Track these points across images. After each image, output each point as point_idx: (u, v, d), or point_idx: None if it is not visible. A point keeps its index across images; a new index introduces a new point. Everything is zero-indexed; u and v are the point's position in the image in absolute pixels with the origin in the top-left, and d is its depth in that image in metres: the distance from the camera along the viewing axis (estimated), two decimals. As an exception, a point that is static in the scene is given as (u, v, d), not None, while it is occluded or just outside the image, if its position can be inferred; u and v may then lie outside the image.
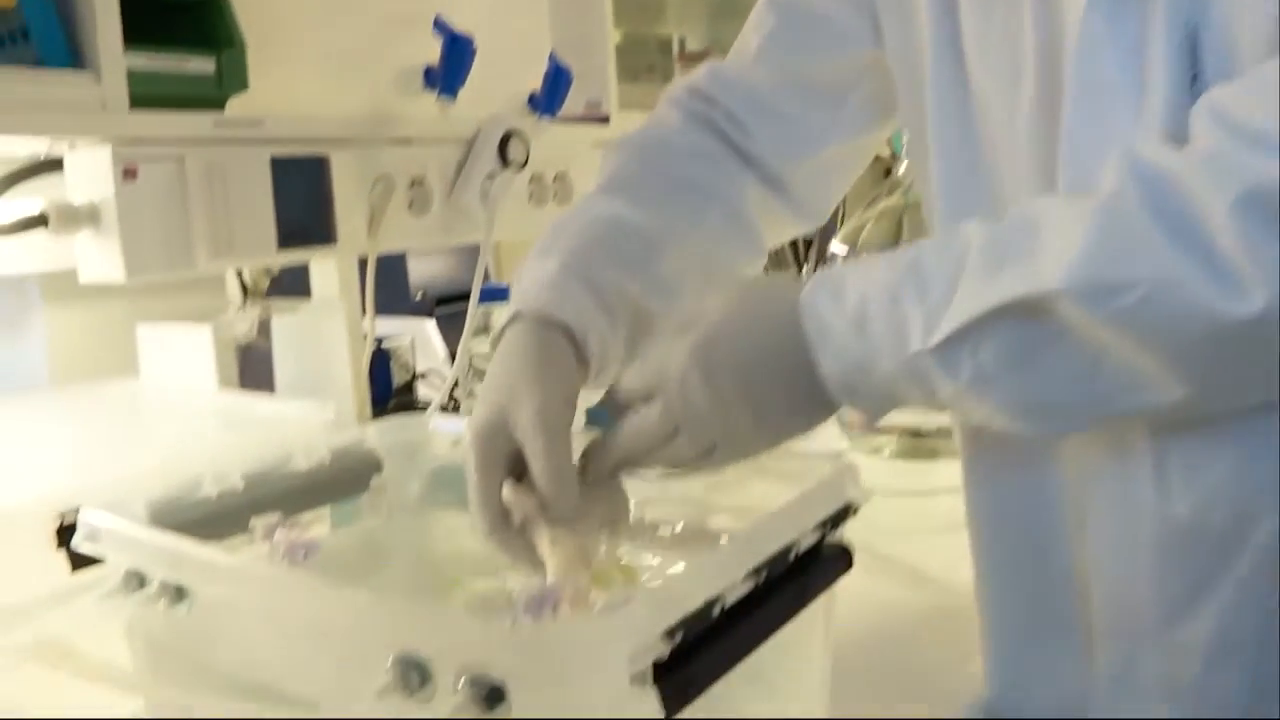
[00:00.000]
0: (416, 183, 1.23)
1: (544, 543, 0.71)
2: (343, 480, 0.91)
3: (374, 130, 1.19)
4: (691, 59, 2.12)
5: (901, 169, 1.65)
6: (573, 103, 1.46)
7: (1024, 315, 0.62)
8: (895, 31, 0.88)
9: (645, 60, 1.94)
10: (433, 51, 1.21)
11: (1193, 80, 0.67)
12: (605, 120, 1.56)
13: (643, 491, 0.89)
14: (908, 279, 0.66)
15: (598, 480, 0.76)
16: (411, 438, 0.96)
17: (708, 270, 0.94)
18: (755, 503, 0.73)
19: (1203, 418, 0.67)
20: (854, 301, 0.67)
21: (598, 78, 1.56)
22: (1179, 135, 0.66)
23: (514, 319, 0.81)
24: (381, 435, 0.94)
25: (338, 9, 1.20)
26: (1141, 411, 0.65)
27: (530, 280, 0.83)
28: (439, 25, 1.15)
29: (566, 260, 0.84)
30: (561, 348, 0.79)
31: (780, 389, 0.70)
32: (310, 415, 1.03)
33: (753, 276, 0.79)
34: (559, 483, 0.72)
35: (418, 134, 1.24)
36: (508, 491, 0.72)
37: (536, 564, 0.73)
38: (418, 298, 2.10)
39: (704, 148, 0.95)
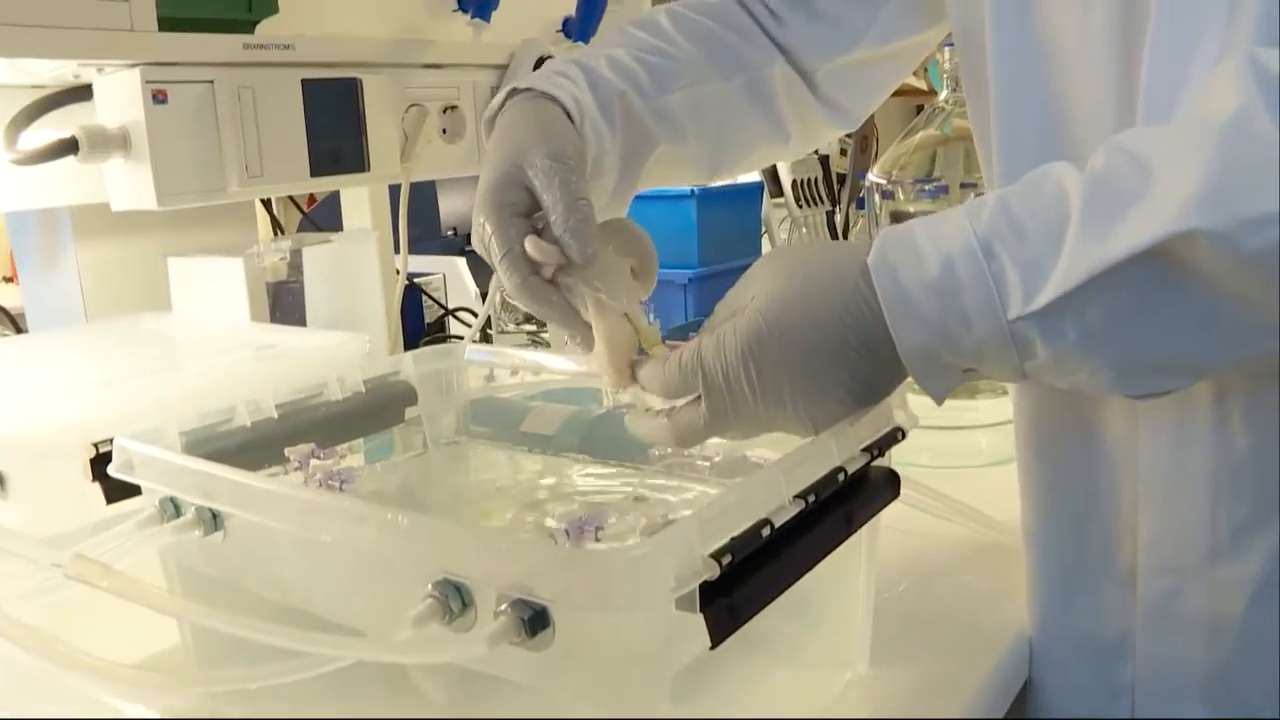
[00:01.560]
0: (450, 109, 1.21)
1: (591, 306, 0.69)
2: (378, 412, 0.90)
3: (406, 54, 1.17)
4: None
5: (943, 96, 1.61)
6: (607, 28, 1.43)
7: (1143, 266, 0.55)
8: None
9: None
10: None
11: None
12: (640, 48, 1.53)
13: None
14: (997, 232, 0.59)
15: (615, 225, 0.74)
16: (447, 367, 0.94)
17: (721, 129, 0.92)
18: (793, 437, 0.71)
19: None
20: (936, 262, 0.60)
21: (633, 2, 1.52)
22: (1274, 38, 0.62)
23: (511, 93, 0.80)
24: (417, 365, 0.93)
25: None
26: (1253, 359, 0.61)
27: (537, 71, 0.82)
28: (472, -54, 1.13)
29: (577, 58, 0.83)
30: (561, 117, 0.77)
31: (839, 376, 0.64)
32: (345, 346, 1.02)
33: (803, 244, 0.71)
34: (580, 222, 0.69)
35: (450, 59, 1.22)
36: (530, 243, 0.69)
37: (574, 320, 0.71)
38: (449, 235, 2.09)
39: (741, 24, 0.93)
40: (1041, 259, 0.58)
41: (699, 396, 0.66)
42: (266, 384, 0.85)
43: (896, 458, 0.68)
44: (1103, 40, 0.71)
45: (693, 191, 1.86)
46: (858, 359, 0.63)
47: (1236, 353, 0.60)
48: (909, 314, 0.61)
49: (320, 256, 1.29)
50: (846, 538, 0.60)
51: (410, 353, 0.94)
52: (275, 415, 0.81)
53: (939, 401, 0.65)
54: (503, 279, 0.71)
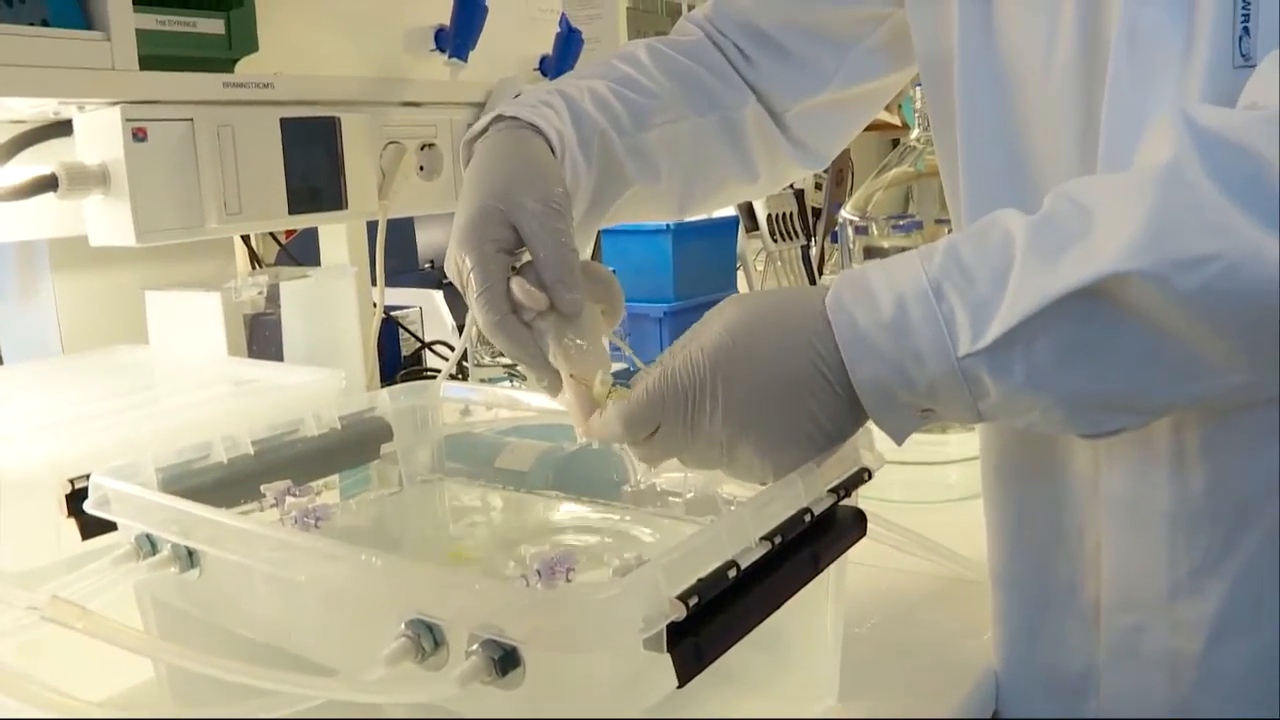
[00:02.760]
0: (427, 146, 1.22)
1: (561, 354, 0.70)
2: (353, 448, 0.91)
3: (384, 92, 1.18)
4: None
5: (914, 134, 1.64)
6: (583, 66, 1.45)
7: (1085, 304, 0.58)
8: None
9: (655, 25, 1.92)
10: (444, 12, 1.20)
11: (1243, 34, 0.66)
12: (616, 86, 1.55)
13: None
14: (948, 275, 0.62)
15: (589, 270, 0.74)
16: (422, 404, 0.95)
17: (694, 167, 0.93)
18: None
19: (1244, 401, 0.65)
20: (889, 303, 0.62)
21: (609, 41, 1.54)
22: (1225, 90, 0.65)
23: (494, 120, 0.80)
24: (392, 402, 0.94)
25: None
26: (1198, 400, 0.63)
27: (519, 100, 0.82)
28: (450, -13, 1.14)
29: (559, 88, 0.84)
30: (545, 151, 0.78)
31: (804, 403, 0.65)
32: (321, 383, 1.03)
33: (763, 291, 0.72)
34: (568, 273, 0.70)
35: (428, 97, 1.23)
36: (517, 285, 0.70)
37: (543, 365, 0.72)
38: (426, 268, 2.10)
39: (716, 63, 0.95)
40: (989, 299, 0.60)
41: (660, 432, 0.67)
42: (243, 420, 0.86)
43: (867, 492, 0.69)
44: (1066, 83, 0.73)
45: (668, 226, 1.87)
46: (823, 389, 0.65)
47: (1180, 391, 0.62)
48: (864, 351, 0.63)
49: (298, 291, 1.30)
50: (813, 578, 0.61)
51: (386, 389, 0.95)
52: (251, 452, 0.82)
53: (899, 442, 0.67)
54: (478, 315, 0.72)
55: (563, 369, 0.70)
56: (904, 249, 1.96)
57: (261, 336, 1.38)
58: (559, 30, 1.33)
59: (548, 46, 1.36)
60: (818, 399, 0.65)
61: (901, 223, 1.65)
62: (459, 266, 0.72)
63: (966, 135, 0.81)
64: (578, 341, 0.69)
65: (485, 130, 0.80)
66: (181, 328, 1.24)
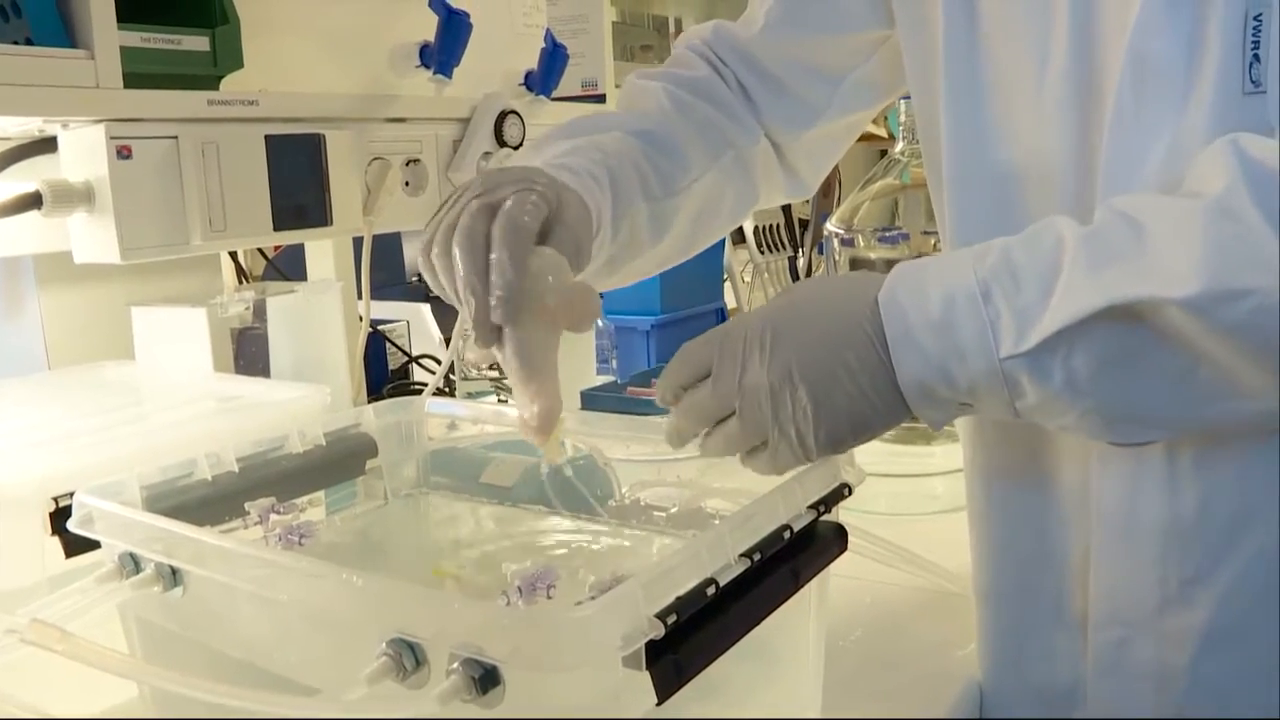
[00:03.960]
0: (412, 162, 1.23)
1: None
2: (338, 464, 0.91)
3: (369, 109, 1.19)
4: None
5: (899, 148, 1.65)
6: (569, 82, 1.46)
7: (1126, 320, 0.60)
8: (907, 8, 0.87)
9: (641, 39, 1.93)
10: (429, 29, 1.20)
11: (1252, 62, 0.67)
12: (601, 99, 1.56)
13: (639, 474, 0.89)
14: (998, 276, 0.63)
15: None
16: (407, 419, 0.95)
17: (702, 211, 0.94)
18: (751, 485, 0.72)
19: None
20: (939, 300, 0.64)
21: (594, 57, 1.55)
22: (1234, 116, 0.66)
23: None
24: (378, 418, 0.94)
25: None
26: (1228, 420, 0.64)
27: (566, 156, 0.82)
28: (435, 2, 1.15)
29: (605, 160, 0.83)
30: (584, 209, 0.77)
31: (846, 386, 0.66)
32: (306, 398, 1.03)
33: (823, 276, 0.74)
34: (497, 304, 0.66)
35: (413, 113, 1.23)
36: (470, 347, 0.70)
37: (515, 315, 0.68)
38: (413, 281, 2.10)
39: (727, 101, 0.96)
40: (1034, 304, 0.62)
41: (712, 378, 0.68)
42: (228, 437, 0.86)
43: (852, 504, 0.70)
44: (1059, 106, 0.74)
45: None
46: (863, 377, 0.66)
47: (1210, 411, 0.63)
48: (910, 347, 0.65)
49: (284, 306, 1.31)
50: (793, 594, 0.62)
51: (371, 405, 0.95)
52: (236, 469, 0.82)
53: (936, 428, 0.69)
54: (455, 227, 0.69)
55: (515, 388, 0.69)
56: (890, 261, 1.98)
57: (248, 351, 1.38)
58: (544, 46, 1.34)
59: (533, 61, 1.36)
60: (867, 372, 0.66)
61: (888, 234, 1.66)
62: (481, 185, 0.70)
63: (952, 155, 0.81)
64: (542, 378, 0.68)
65: None
66: (167, 343, 1.24)
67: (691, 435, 0.72)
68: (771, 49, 0.95)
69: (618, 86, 1.56)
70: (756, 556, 0.58)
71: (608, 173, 0.82)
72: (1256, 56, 0.67)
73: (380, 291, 1.85)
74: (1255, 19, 0.67)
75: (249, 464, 0.83)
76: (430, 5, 1.14)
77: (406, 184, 1.23)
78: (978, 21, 0.80)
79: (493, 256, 0.66)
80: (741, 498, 0.77)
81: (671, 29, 2.49)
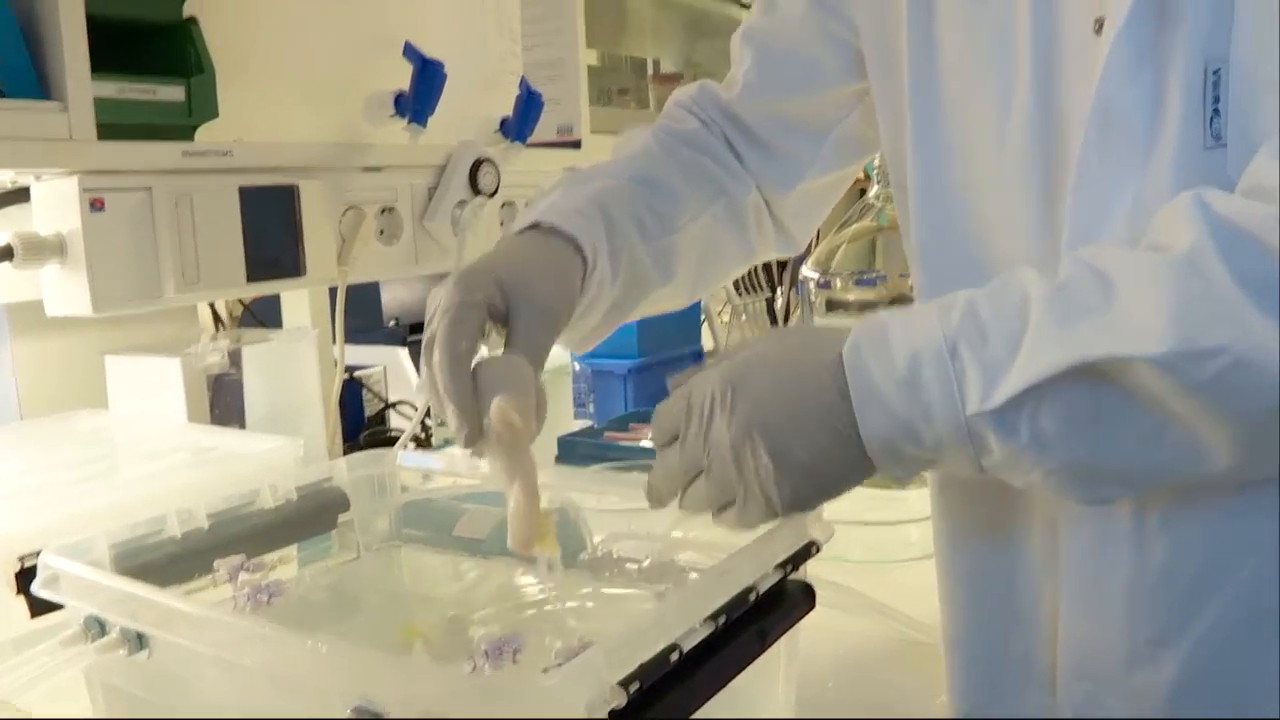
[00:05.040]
0: (387, 210, 1.23)
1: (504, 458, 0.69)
2: (310, 518, 0.91)
3: (344, 158, 1.19)
4: (666, 80, 2.13)
5: (873, 192, 1.66)
6: (544, 127, 1.46)
7: (1094, 377, 0.59)
8: (876, 60, 0.88)
9: (619, 82, 1.94)
10: (403, 78, 1.21)
11: (1213, 117, 0.68)
12: (577, 145, 1.56)
13: (611, 526, 0.89)
14: (964, 332, 0.63)
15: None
16: (380, 472, 0.95)
17: (705, 255, 0.95)
18: (723, 538, 0.73)
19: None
20: (904, 357, 0.63)
21: (570, 102, 1.56)
22: (1196, 171, 0.66)
23: (531, 227, 0.81)
24: (350, 471, 0.93)
25: (307, 34, 1.19)
26: (1196, 477, 0.64)
27: (555, 203, 0.83)
28: (409, 51, 1.15)
29: (597, 197, 0.84)
30: (573, 259, 0.79)
31: (808, 443, 0.66)
32: (279, 451, 1.03)
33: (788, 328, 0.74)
34: (536, 362, 0.72)
35: (388, 161, 1.24)
36: (489, 365, 0.71)
37: (472, 414, 0.70)
38: (391, 325, 2.10)
39: (718, 151, 0.97)
40: (1001, 360, 0.61)
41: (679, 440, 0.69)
42: (200, 491, 0.85)
43: (827, 551, 0.70)
44: (1022, 158, 0.75)
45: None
46: (827, 434, 0.65)
47: (1179, 468, 0.63)
48: (873, 403, 0.64)
49: (259, 354, 1.30)
50: (760, 654, 0.62)
51: (344, 458, 0.95)
52: (206, 525, 0.82)
53: (901, 482, 0.71)
54: (436, 353, 0.72)
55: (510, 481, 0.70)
56: (868, 303, 1.99)
57: (224, 398, 1.37)
58: (519, 92, 1.35)
59: (509, 107, 1.37)
60: (829, 430, 0.65)
61: (865, 277, 1.67)
62: (437, 303, 0.73)
63: (920, 210, 0.82)
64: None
65: (524, 229, 0.82)
66: (142, 393, 1.23)
67: (669, 495, 0.71)
68: (753, 108, 0.97)
69: (594, 131, 1.57)
70: (722, 619, 0.58)
71: (600, 211, 0.83)
72: (1217, 111, 0.67)
73: (357, 335, 1.84)
74: (1214, 73, 0.67)
75: (220, 520, 0.83)
76: (404, 54, 1.15)
77: (381, 232, 1.23)
78: (941, 77, 0.81)
79: (439, 391, 0.70)
80: (715, 550, 0.77)
81: (649, 70, 2.50)
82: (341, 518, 0.93)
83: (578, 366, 1.81)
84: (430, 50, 1.22)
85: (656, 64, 2.48)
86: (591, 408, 1.78)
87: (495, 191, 1.28)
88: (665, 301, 0.95)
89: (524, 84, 1.34)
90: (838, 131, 0.97)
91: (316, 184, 1.13)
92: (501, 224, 1.39)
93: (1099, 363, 0.59)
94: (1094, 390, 0.60)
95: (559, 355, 1.82)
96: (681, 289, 0.95)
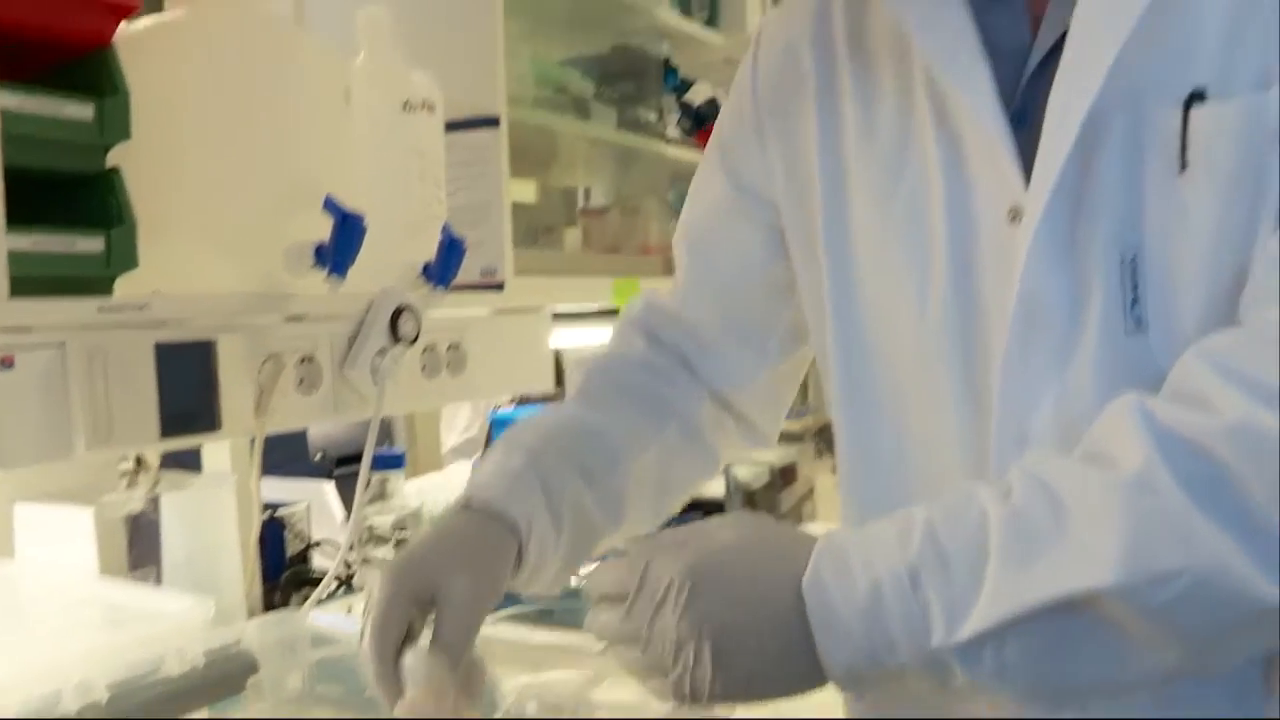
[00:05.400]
0: (306, 359, 1.23)
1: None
2: (218, 683, 0.89)
3: (264, 308, 1.19)
4: (594, 214, 2.16)
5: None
6: (468, 269, 1.48)
7: (1056, 613, 0.60)
8: (796, 243, 0.91)
9: (547, 218, 1.96)
10: (326, 228, 1.22)
11: (1133, 303, 0.70)
12: (499, 287, 1.58)
13: (524, 677, 0.89)
14: (925, 561, 0.63)
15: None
16: (290, 633, 0.94)
17: (662, 487, 0.96)
18: (637, 700, 0.72)
19: None
20: (865, 585, 0.64)
21: (494, 244, 1.57)
22: (1118, 357, 0.68)
23: (464, 507, 0.82)
24: (260, 633, 0.92)
25: (230, 185, 1.20)
26: (1149, 686, 0.66)
27: (488, 473, 0.84)
28: (329, 205, 1.16)
29: (529, 460, 0.85)
30: (505, 541, 0.80)
31: (758, 656, 0.66)
32: (189, 612, 1.01)
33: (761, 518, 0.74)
34: (455, 658, 0.73)
35: (308, 311, 1.24)
36: (412, 658, 0.73)
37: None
38: (317, 459, 2.08)
39: (663, 366, 0.98)
40: (964, 594, 0.62)
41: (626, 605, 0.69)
42: (103, 656, 0.84)
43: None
44: (941, 344, 0.78)
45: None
46: (786, 647, 0.65)
47: (1145, 682, 0.64)
48: (833, 632, 0.64)
49: (178, 500, 1.29)
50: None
51: (255, 619, 0.94)
52: (105, 698, 0.80)
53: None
54: (366, 646, 0.75)
55: None
56: (792, 434, 1.99)
57: (141, 540, 1.35)
58: (441, 239, 1.36)
59: (432, 253, 1.38)
60: (785, 650, 0.66)
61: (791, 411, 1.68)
62: (372, 593, 0.75)
63: (840, 384, 0.85)
64: None
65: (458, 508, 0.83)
66: (51, 542, 1.21)
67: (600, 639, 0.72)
68: (697, 311, 0.99)
69: (518, 274, 1.59)
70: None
71: (537, 475, 0.84)
72: (1136, 297, 0.70)
73: (282, 468, 1.83)
74: (1131, 260, 0.70)
75: (120, 691, 0.82)
76: (324, 208, 1.16)
77: (301, 381, 1.23)
78: (857, 260, 0.84)
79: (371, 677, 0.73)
80: (626, 712, 0.76)
81: (580, 200, 2.54)
82: (251, 680, 0.92)
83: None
84: (354, 199, 1.23)
85: (588, 192, 2.53)
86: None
87: (416, 339, 1.29)
88: (625, 536, 0.95)
89: (446, 231, 1.36)
90: (784, 321, 0.99)
91: (235, 337, 1.13)
92: (424, 367, 1.39)
93: (1062, 599, 0.60)
94: (1056, 621, 0.61)
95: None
96: (640, 524, 0.95)
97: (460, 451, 3.28)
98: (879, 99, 0.84)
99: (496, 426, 2.16)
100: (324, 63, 1.26)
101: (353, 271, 1.25)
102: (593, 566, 0.74)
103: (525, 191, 2.35)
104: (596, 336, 2.04)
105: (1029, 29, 0.78)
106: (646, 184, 2.20)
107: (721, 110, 1.05)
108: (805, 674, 0.66)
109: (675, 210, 2.24)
